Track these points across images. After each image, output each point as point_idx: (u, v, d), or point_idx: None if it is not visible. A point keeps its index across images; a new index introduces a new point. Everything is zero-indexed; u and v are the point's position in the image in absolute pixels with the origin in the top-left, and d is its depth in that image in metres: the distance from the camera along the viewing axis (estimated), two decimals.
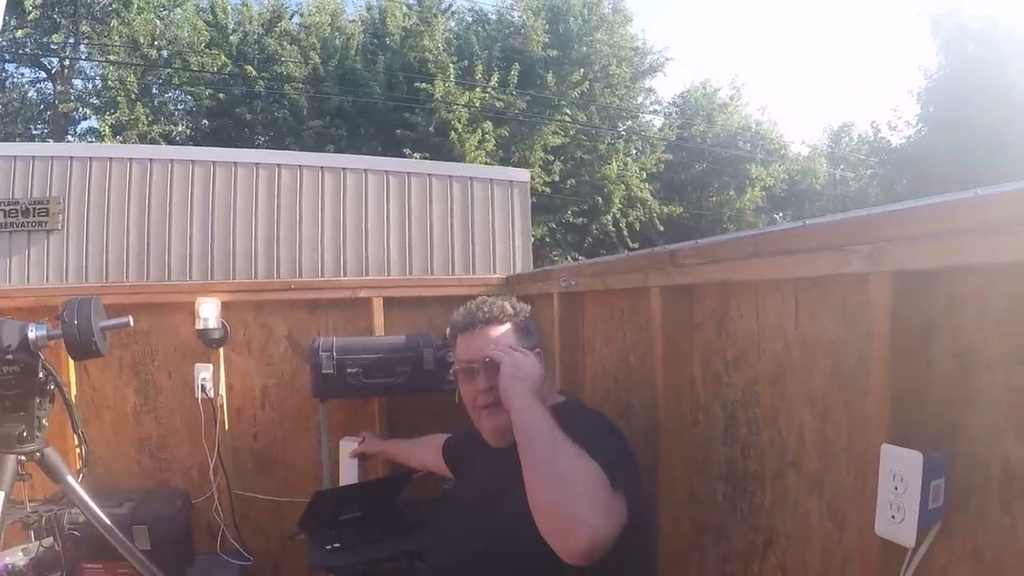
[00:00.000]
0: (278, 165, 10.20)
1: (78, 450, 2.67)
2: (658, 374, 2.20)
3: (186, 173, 9.84)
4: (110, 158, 9.81)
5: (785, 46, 73.70)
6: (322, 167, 10.34)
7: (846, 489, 1.52)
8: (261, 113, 21.77)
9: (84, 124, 23.09)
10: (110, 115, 20.25)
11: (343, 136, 21.26)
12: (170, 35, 21.07)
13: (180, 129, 21.65)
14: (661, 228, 24.13)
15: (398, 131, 20.87)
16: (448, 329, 2.22)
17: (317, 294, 3.75)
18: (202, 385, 3.47)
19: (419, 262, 10.21)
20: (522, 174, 11.58)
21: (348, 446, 3.32)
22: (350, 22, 23.97)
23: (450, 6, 24.85)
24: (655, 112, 28.80)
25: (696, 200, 27.52)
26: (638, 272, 2.33)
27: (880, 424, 1.35)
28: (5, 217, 9.31)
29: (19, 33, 20.75)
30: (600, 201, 22.93)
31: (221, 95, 21.79)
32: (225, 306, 3.53)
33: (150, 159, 9.92)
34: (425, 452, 2.88)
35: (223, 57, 21.51)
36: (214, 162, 10.02)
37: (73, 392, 3.33)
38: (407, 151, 19.49)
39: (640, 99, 27.77)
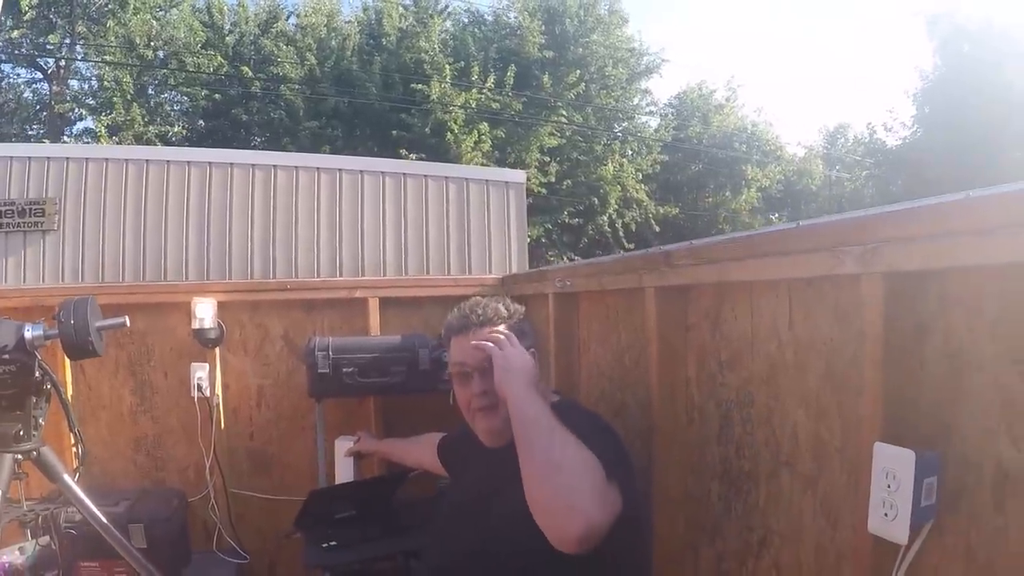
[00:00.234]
0: (274, 166, 10.18)
1: (74, 449, 2.68)
2: (653, 374, 2.21)
3: (182, 174, 9.82)
4: (106, 159, 9.79)
5: (781, 47, 73.80)
6: (318, 168, 10.33)
7: (839, 488, 1.53)
8: (257, 114, 21.73)
9: (80, 125, 23.04)
10: (106, 116, 20.20)
11: (339, 137, 21.23)
12: (166, 36, 21.04)
13: (176, 130, 21.59)
14: (657, 229, 24.09)
15: (394, 132, 20.83)
16: (443, 330, 2.22)
17: (313, 294, 3.75)
18: (198, 385, 3.48)
19: (415, 262, 10.20)
20: (518, 175, 11.57)
21: (343, 445, 3.33)
22: (346, 23, 23.95)
23: (446, 7, 24.86)
24: (651, 113, 28.80)
25: (692, 201, 27.52)
26: (633, 273, 2.34)
27: (873, 424, 1.36)
28: (1, 218, 9.29)
29: (15, 33, 20.71)
30: (596, 202, 22.89)
31: (217, 96, 21.74)
32: (221, 306, 3.54)
33: (146, 160, 9.91)
34: (420, 451, 2.89)
35: (219, 58, 21.49)
36: (210, 163, 10.00)
37: (69, 392, 3.34)
38: (403, 152, 19.44)
39: (636, 100, 27.76)
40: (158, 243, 9.68)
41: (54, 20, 21.46)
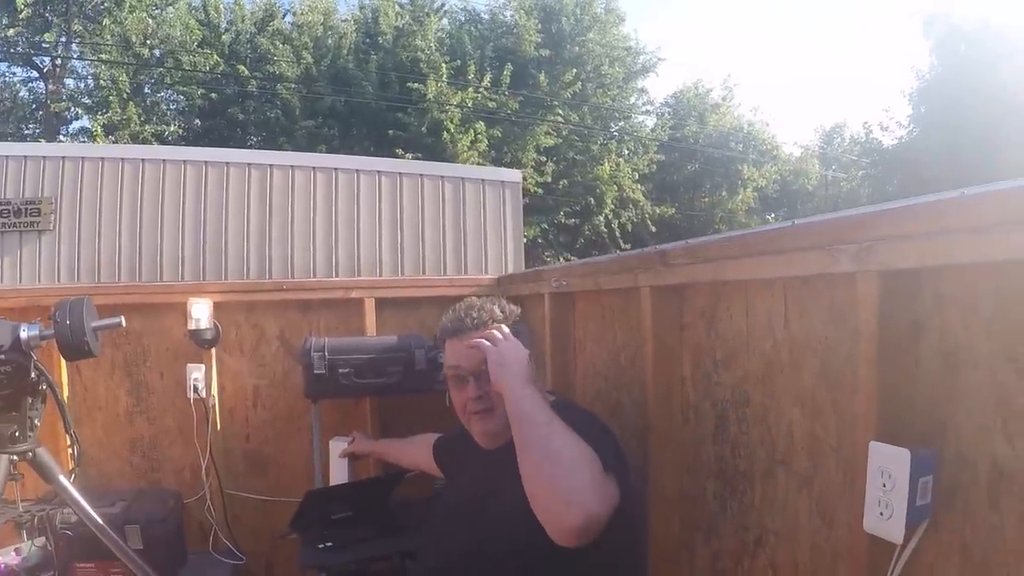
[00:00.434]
0: (270, 165, 10.17)
1: (70, 450, 2.67)
2: (648, 373, 2.21)
3: (178, 173, 9.80)
4: (102, 158, 9.76)
5: (777, 47, 73.91)
6: (314, 167, 10.31)
7: (835, 487, 1.53)
8: (253, 113, 21.71)
9: (76, 124, 22.99)
10: (102, 115, 20.13)
11: (335, 136, 21.21)
12: (162, 34, 20.99)
13: (172, 129, 21.57)
14: (653, 229, 24.10)
15: (390, 131, 20.83)
16: (438, 332, 2.22)
17: (309, 294, 3.75)
18: (194, 385, 3.47)
19: (411, 262, 10.20)
20: (514, 174, 11.57)
21: (338, 446, 3.32)
22: (342, 21, 23.93)
23: (443, 5, 24.86)
24: (647, 112, 28.82)
25: (688, 201, 27.54)
26: (628, 272, 2.34)
27: (869, 423, 1.36)
28: None
29: (11, 32, 20.64)
30: (592, 202, 22.89)
31: (213, 95, 21.71)
32: (217, 307, 3.53)
33: (142, 159, 9.88)
34: (416, 452, 2.89)
35: (215, 56, 21.45)
36: (206, 162, 9.99)
37: (65, 392, 3.33)
38: (399, 151, 19.44)
39: (632, 99, 27.77)
40: (154, 243, 9.66)
41: (50, 18, 21.41)
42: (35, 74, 23.34)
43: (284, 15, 23.81)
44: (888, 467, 1.27)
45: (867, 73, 70.18)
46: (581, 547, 1.50)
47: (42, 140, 20.30)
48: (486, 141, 21.19)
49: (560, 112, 23.41)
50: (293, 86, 21.39)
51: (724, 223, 26.43)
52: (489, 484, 1.95)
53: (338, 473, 3.31)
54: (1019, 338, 1.13)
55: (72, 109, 22.28)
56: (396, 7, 23.54)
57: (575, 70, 23.33)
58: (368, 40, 23.15)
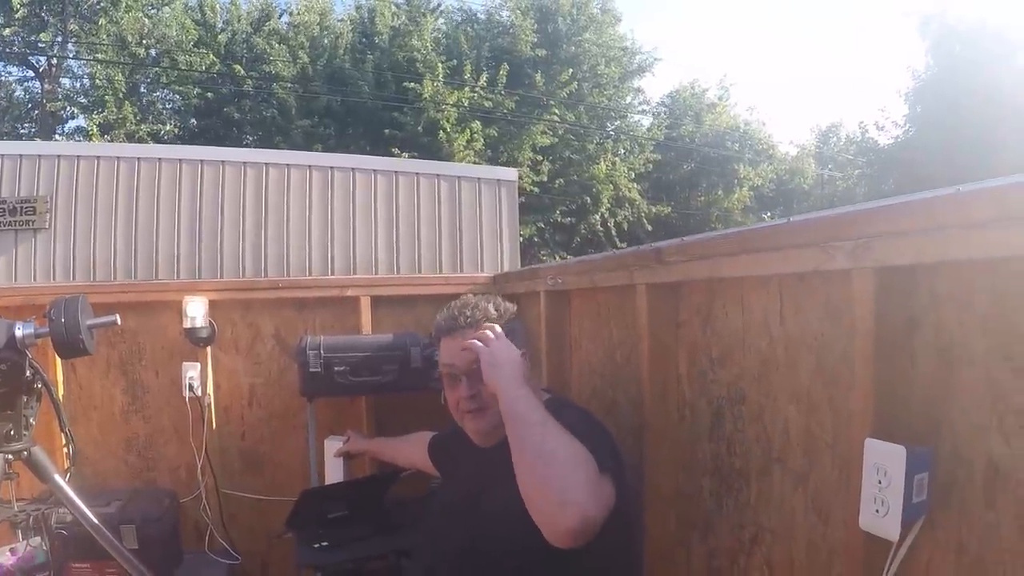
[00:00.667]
0: (266, 164, 10.15)
1: (65, 449, 2.66)
2: (644, 371, 2.21)
3: (174, 172, 9.78)
4: (97, 157, 9.74)
5: (773, 47, 74.00)
6: (310, 166, 10.29)
7: (831, 484, 1.53)
8: (249, 112, 21.71)
9: (72, 123, 22.99)
10: (98, 114, 20.13)
11: (332, 136, 21.20)
12: (158, 34, 20.96)
13: (168, 128, 21.54)
14: (649, 228, 24.12)
15: (386, 131, 20.82)
16: (432, 330, 2.21)
17: (304, 293, 3.75)
18: (190, 384, 3.47)
19: (407, 261, 10.19)
20: (509, 173, 11.57)
21: (333, 445, 3.32)
22: (339, 21, 23.95)
23: (439, 5, 24.85)
24: (643, 112, 28.85)
25: (684, 200, 27.56)
26: (624, 270, 2.33)
27: (864, 420, 1.36)
28: None
29: (6, 31, 20.65)
30: (588, 201, 22.90)
31: (209, 94, 21.72)
32: (212, 305, 3.53)
33: (138, 158, 9.86)
34: (411, 450, 2.89)
35: (211, 56, 21.42)
36: (202, 161, 9.97)
37: (60, 391, 3.32)
38: (395, 151, 19.42)
39: (629, 99, 27.79)
40: (149, 241, 9.64)
41: (46, 18, 21.40)
42: (31, 73, 23.33)
43: (280, 15, 23.84)
44: (884, 464, 1.27)
45: (863, 73, 70.50)
46: (576, 547, 1.50)
47: (38, 139, 20.22)
48: (482, 140, 21.18)
49: (556, 111, 23.40)
50: (289, 86, 21.40)
51: (720, 222, 26.43)
52: (483, 482, 1.95)
53: (333, 472, 3.31)
54: (1014, 335, 1.12)
55: (68, 108, 22.28)
56: (392, 7, 23.55)
57: (571, 70, 23.33)
58: (364, 40, 23.16)
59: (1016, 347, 1.12)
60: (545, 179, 22.25)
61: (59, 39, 22.00)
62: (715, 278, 1.90)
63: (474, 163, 19.41)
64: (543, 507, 1.53)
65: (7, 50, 21.71)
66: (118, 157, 9.82)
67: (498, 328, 1.97)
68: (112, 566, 2.72)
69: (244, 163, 10.11)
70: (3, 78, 23.17)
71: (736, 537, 1.88)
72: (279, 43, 21.96)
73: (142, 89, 21.93)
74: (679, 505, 2.15)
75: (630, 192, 23.96)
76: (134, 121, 20.10)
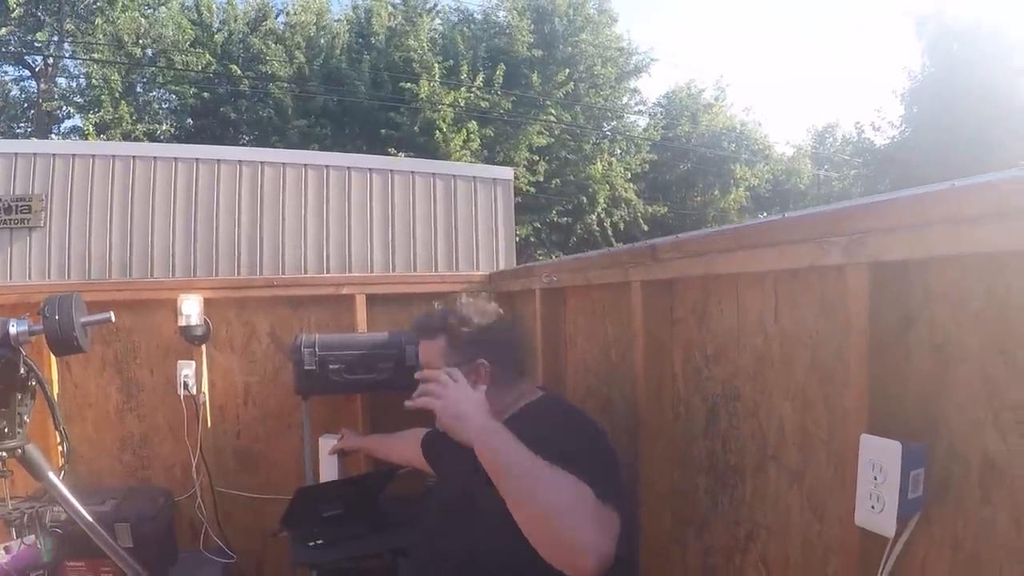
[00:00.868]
0: (261, 163, 10.15)
1: (60, 447, 2.65)
2: (639, 369, 2.20)
3: (169, 170, 9.78)
4: (93, 155, 9.73)
5: (769, 47, 74.03)
6: (305, 165, 10.29)
7: (826, 481, 1.53)
8: (246, 112, 21.69)
9: (68, 123, 22.93)
10: (94, 114, 20.11)
11: (328, 135, 21.20)
12: (155, 33, 20.95)
13: (164, 128, 21.56)
14: (645, 228, 24.12)
15: (383, 131, 20.83)
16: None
17: (300, 291, 3.74)
18: (185, 382, 3.47)
19: (402, 259, 10.19)
20: (505, 172, 11.56)
21: (327, 443, 3.31)
22: (335, 21, 23.95)
23: (435, 6, 24.87)
24: (640, 112, 28.86)
25: (680, 200, 27.57)
26: (619, 267, 2.33)
27: (860, 416, 1.36)
28: None
29: (3, 31, 20.60)
30: (585, 201, 22.92)
31: (206, 94, 21.69)
32: (208, 303, 3.52)
33: (133, 156, 9.86)
34: (405, 447, 2.87)
35: (208, 56, 21.41)
36: (197, 159, 9.96)
37: (55, 390, 3.32)
38: (392, 150, 19.42)
39: (625, 99, 27.82)
40: (145, 240, 9.64)
41: (42, 17, 21.37)
42: (27, 73, 23.29)
43: (277, 15, 23.82)
44: (879, 460, 1.27)
45: (859, 73, 70.43)
46: None
47: (34, 139, 20.20)
48: (479, 140, 21.20)
49: (552, 112, 23.42)
50: (285, 86, 21.39)
51: (716, 222, 26.42)
52: (476, 478, 1.94)
53: (328, 470, 3.30)
54: (1008, 331, 1.12)
55: (64, 108, 22.24)
56: (389, 7, 23.55)
57: (568, 70, 23.36)
58: (361, 40, 23.17)
59: (1010, 343, 1.12)
60: (541, 179, 22.26)
61: (55, 39, 21.95)
62: (710, 275, 1.90)
63: (470, 163, 19.41)
64: (560, 560, 1.50)
65: (3, 49, 21.67)
66: (113, 155, 9.82)
67: (453, 371, 1.87)
68: (107, 564, 2.72)
69: (240, 161, 10.11)
70: None
71: (732, 534, 1.88)
72: (275, 43, 21.95)
73: (138, 89, 21.92)
74: (674, 502, 2.15)
75: (626, 192, 23.99)
76: (130, 121, 20.09)
